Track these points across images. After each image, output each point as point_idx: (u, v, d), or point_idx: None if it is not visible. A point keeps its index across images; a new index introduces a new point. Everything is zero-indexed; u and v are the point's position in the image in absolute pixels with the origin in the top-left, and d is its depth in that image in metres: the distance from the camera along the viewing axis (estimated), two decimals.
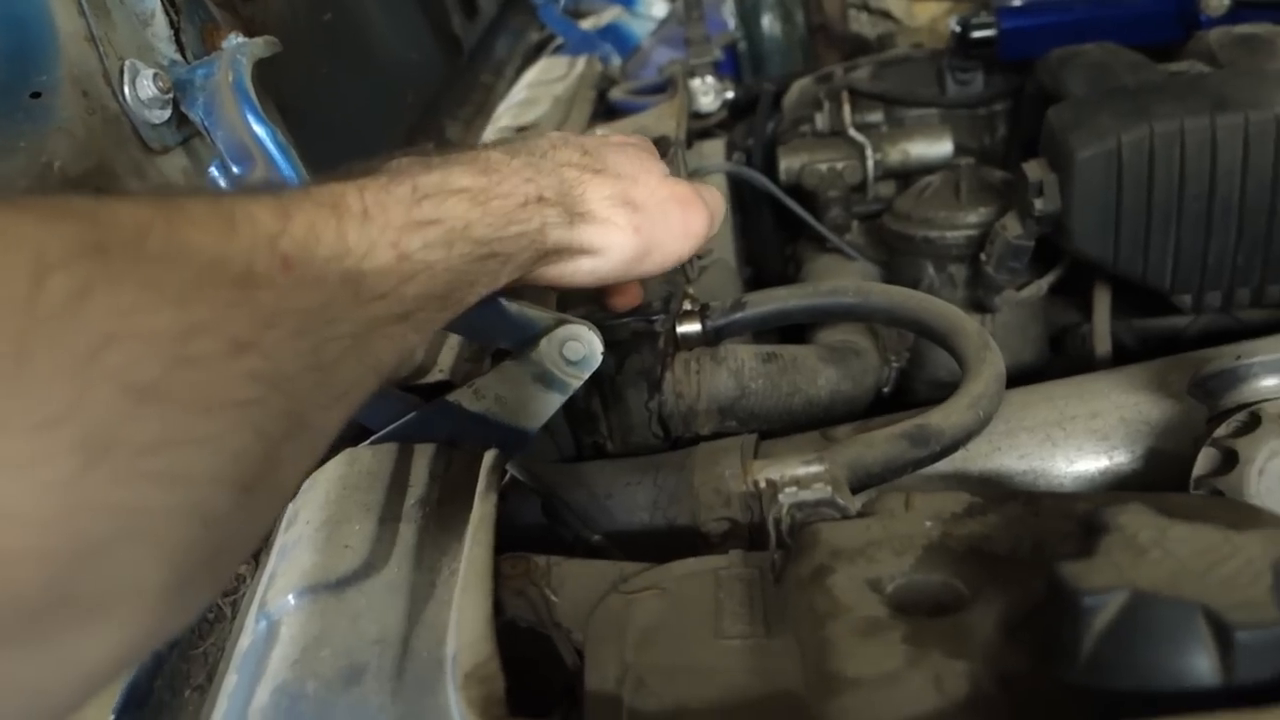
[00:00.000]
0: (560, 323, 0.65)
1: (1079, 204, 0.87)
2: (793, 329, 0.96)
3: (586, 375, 0.66)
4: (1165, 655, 0.35)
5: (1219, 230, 0.85)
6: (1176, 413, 0.67)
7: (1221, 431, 0.58)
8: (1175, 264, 0.88)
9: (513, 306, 0.66)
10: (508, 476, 0.73)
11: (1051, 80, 1.01)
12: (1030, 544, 0.46)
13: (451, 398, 0.67)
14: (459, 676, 0.46)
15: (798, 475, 0.51)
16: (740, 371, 0.82)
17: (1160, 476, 0.67)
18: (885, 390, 0.92)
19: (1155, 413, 0.69)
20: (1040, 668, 0.38)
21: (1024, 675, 0.39)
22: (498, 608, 0.54)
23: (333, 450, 0.69)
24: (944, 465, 0.70)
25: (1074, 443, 0.70)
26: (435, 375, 0.78)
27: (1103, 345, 0.95)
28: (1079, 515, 0.43)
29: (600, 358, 0.66)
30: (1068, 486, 0.69)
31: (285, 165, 0.66)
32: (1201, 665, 0.34)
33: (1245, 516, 0.47)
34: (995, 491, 0.51)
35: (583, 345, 0.65)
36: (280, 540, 0.64)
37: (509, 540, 0.64)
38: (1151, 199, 0.85)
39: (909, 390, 1.04)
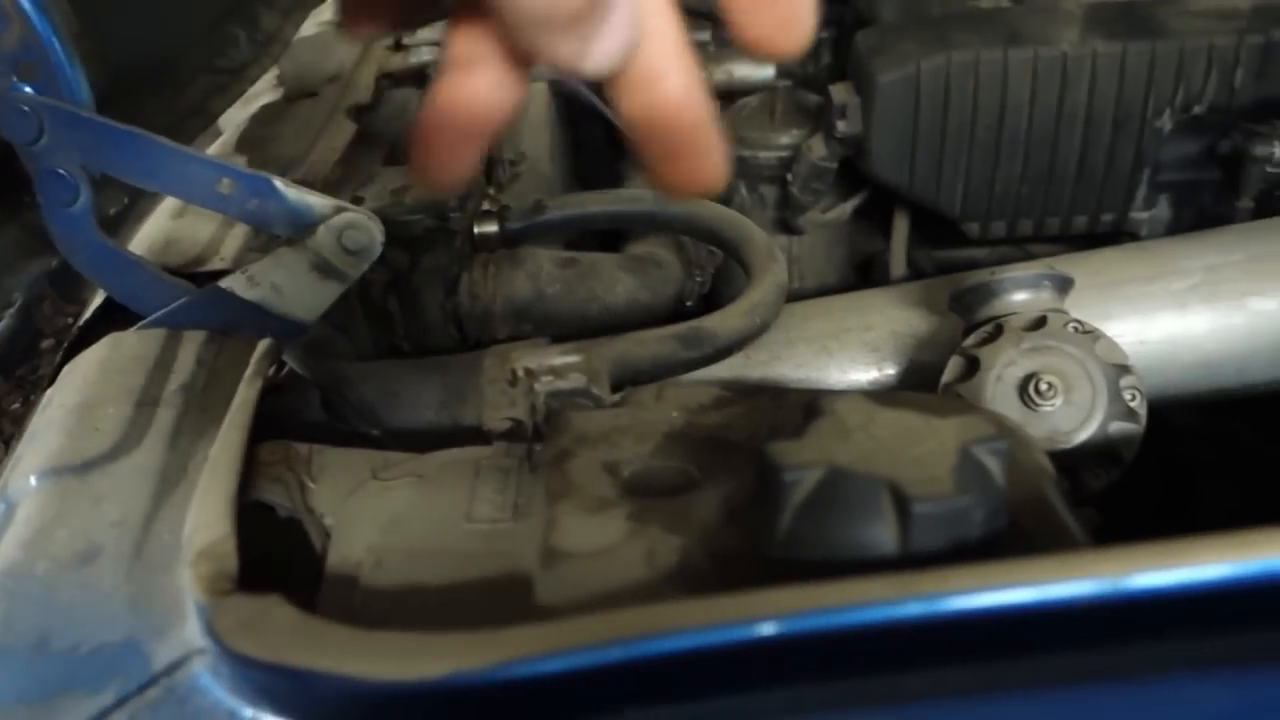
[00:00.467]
0: (339, 210, 0.64)
1: (879, 128, 0.89)
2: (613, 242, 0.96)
3: (365, 266, 0.65)
4: (852, 527, 0.36)
5: (1006, 160, 0.89)
6: (942, 327, 0.70)
7: (969, 341, 0.61)
8: (965, 191, 0.91)
9: (290, 191, 0.64)
10: (286, 369, 0.71)
11: (867, 7, 1.03)
12: (767, 432, 0.48)
13: (224, 284, 0.65)
14: (191, 554, 0.46)
15: (555, 365, 0.52)
16: (538, 275, 0.82)
17: (924, 387, 0.70)
18: (689, 304, 0.93)
19: (923, 327, 0.71)
20: (751, 546, 0.40)
21: (736, 553, 0.40)
22: (247, 491, 0.53)
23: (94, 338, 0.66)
24: (723, 371, 0.72)
25: (848, 354, 0.72)
26: (216, 263, 0.75)
27: (898, 269, 0.98)
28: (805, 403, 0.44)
29: (380, 248, 0.64)
30: None
31: (43, 27, 0.61)
32: (883, 536, 0.36)
33: (958, 408, 0.49)
34: (748, 385, 0.52)
35: (362, 234, 0.64)
36: (33, 425, 0.61)
37: (285, 433, 0.62)
38: (946, 126, 0.88)
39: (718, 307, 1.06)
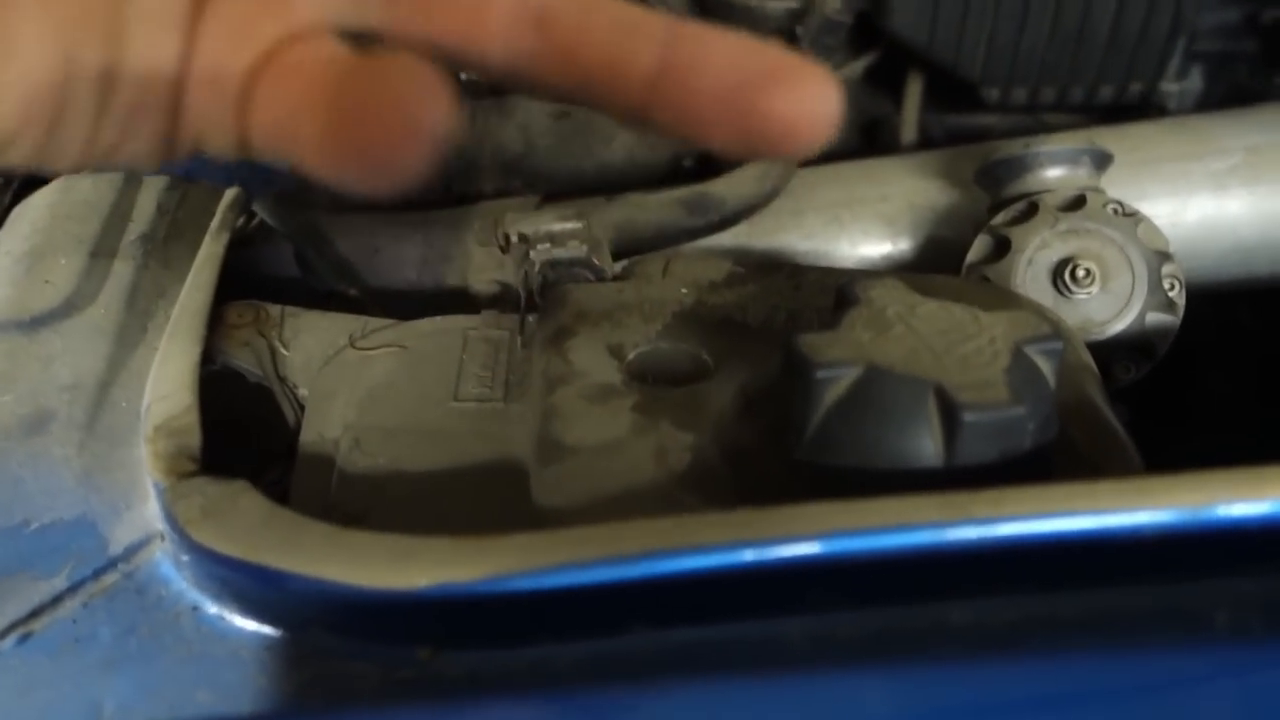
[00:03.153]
0: None
1: None
2: None
3: None
4: (892, 433, 0.33)
5: (1035, 19, 0.82)
6: (965, 200, 0.65)
7: (999, 219, 0.56)
8: (989, 52, 0.85)
9: None
10: (256, 220, 0.66)
11: None
12: (785, 316, 0.44)
13: None
14: (149, 428, 0.41)
15: (553, 231, 0.47)
16: (529, 127, 0.76)
17: (943, 264, 0.66)
18: (687, 163, 0.88)
19: (943, 199, 0.67)
20: (771, 444, 0.36)
21: (754, 451, 0.36)
22: (211, 356, 0.49)
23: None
24: (726, 239, 0.67)
25: (860, 226, 0.67)
26: None
27: (909, 134, 0.92)
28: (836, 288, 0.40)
29: None
30: (852, 268, 0.67)
31: None
32: (925, 445, 0.32)
33: (1003, 300, 0.45)
34: (764, 261, 0.48)
35: None
36: None
37: (255, 290, 0.58)
38: None
39: (721, 169, 1.00)
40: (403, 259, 0.69)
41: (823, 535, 0.29)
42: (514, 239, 0.47)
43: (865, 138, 1.06)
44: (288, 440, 0.49)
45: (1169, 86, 0.89)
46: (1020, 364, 0.34)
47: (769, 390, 0.38)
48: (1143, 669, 0.29)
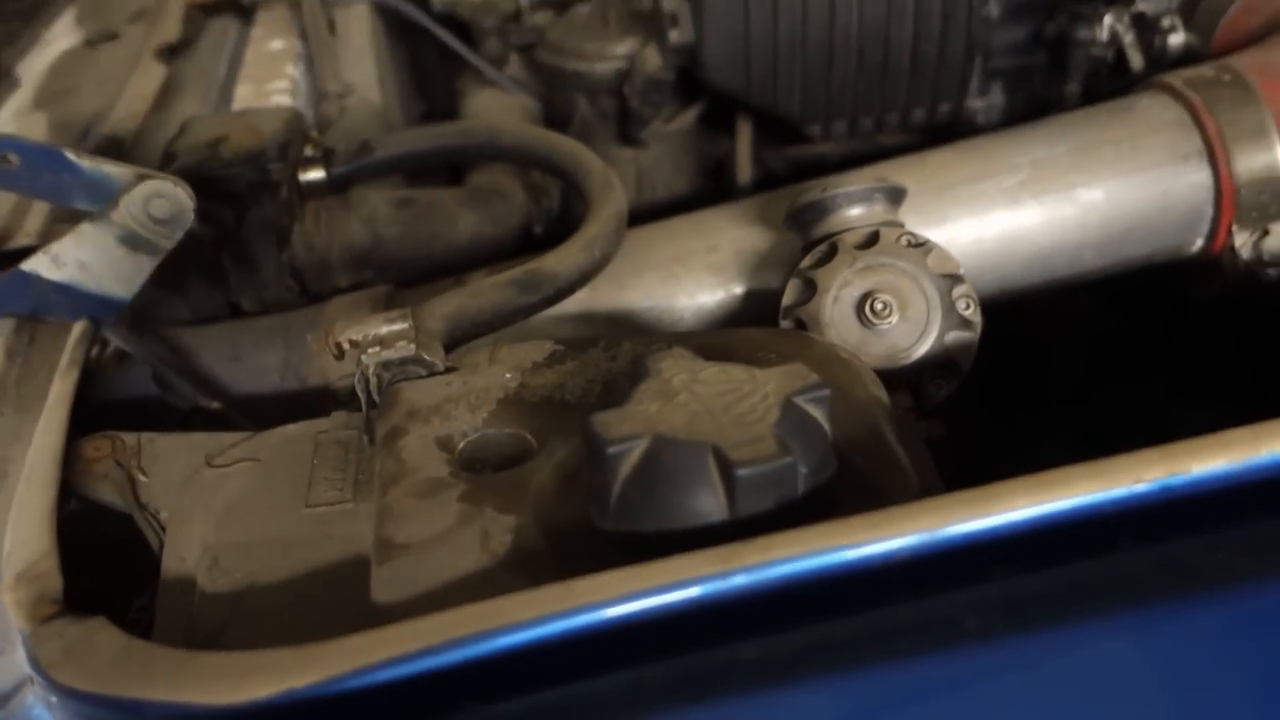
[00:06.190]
0: (142, 178, 0.60)
1: (710, 35, 0.87)
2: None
3: (179, 234, 0.61)
4: (679, 495, 0.36)
5: (840, 59, 0.88)
6: (784, 242, 0.70)
7: (806, 262, 0.61)
8: (803, 94, 0.91)
9: (85, 162, 0.60)
10: (110, 348, 0.68)
11: None
12: (600, 388, 0.47)
13: (26, 266, 0.61)
14: (9, 577, 0.43)
15: (380, 334, 0.50)
16: (373, 219, 0.79)
17: (771, 306, 0.70)
18: (537, 230, 0.91)
19: (766, 244, 0.71)
20: (585, 518, 0.39)
21: (571, 526, 0.40)
22: (70, 494, 0.51)
23: None
24: (570, 306, 0.70)
25: (694, 278, 0.72)
26: (20, 240, 0.70)
27: (743, 175, 0.97)
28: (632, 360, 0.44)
29: (191, 214, 0.61)
30: (688, 321, 0.71)
31: None
32: (709, 503, 0.36)
33: (796, 346, 0.50)
34: (582, 337, 0.51)
35: (170, 203, 0.60)
36: None
37: (117, 417, 0.59)
38: (778, 29, 0.87)
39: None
40: (265, 365, 0.72)
41: (618, 599, 0.32)
42: (345, 345, 0.49)
43: (713, 178, 1.11)
44: (155, 562, 0.51)
45: (974, 104, 0.95)
46: (790, 415, 0.38)
47: (582, 466, 0.42)
48: (913, 677, 0.33)
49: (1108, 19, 0.85)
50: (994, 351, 0.63)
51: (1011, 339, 0.98)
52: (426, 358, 0.50)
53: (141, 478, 0.53)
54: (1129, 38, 0.86)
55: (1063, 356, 1.09)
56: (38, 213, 0.72)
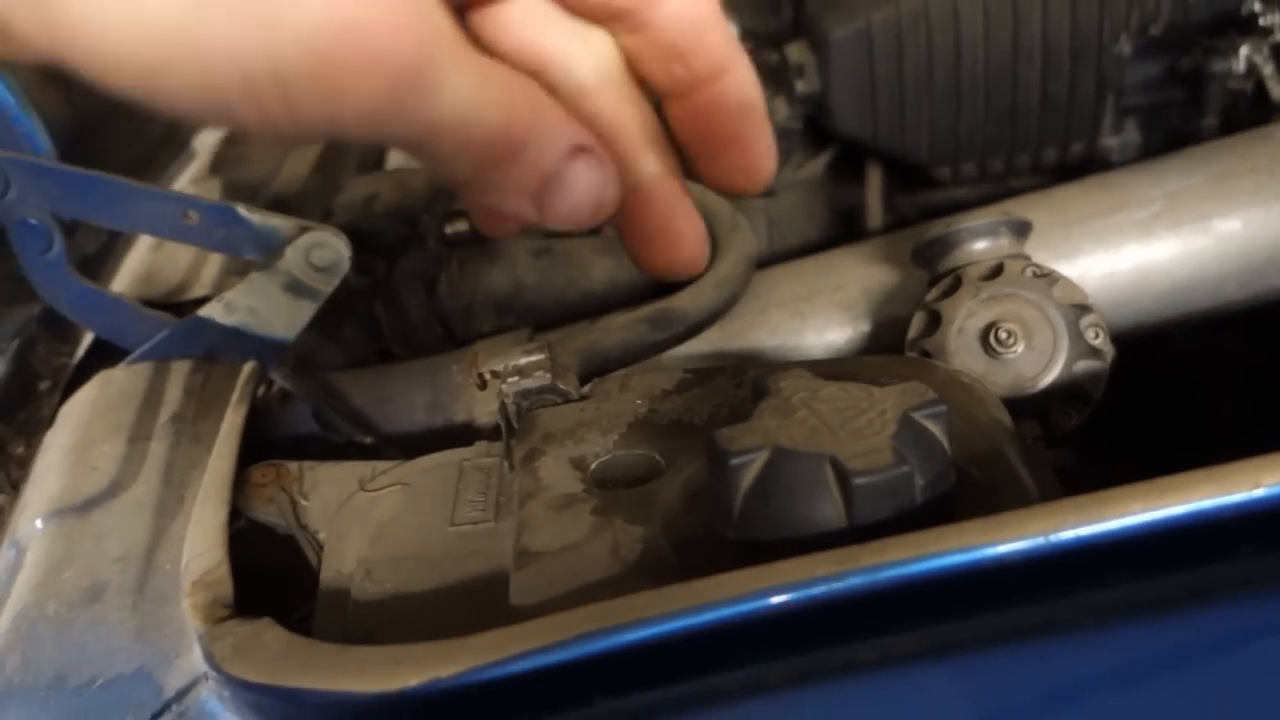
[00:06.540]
0: (304, 230, 0.65)
1: (837, 84, 0.89)
2: None
3: (337, 281, 0.66)
4: (799, 504, 0.38)
5: (968, 101, 0.89)
6: (910, 279, 0.71)
7: (931, 295, 0.62)
8: (931, 137, 0.92)
9: (254, 216, 0.65)
10: (275, 387, 0.73)
11: None
12: (727, 413, 0.49)
13: (202, 313, 0.67)
14: (187, 584, 0.48)
15: (519, 365, 0.53)
16: (513, 268, 0.83)
17: (899, 341, 0.71)
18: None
19: (893, 281, 0.72)
20: (710, 529, 0.41)
21: (697, 537, 0.42)
22: (240, 514, 0.55)
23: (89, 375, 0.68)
24: (701, 345, 0.73)
25: (821, 316, 0.73)
26: (197, 291, 0.77)
27: (874, 220, 0.98)
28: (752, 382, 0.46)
29: (348, 263, 0.66)
30: (818, 357, 0.73)
31: None
32: (828, 511, 0.37)
33: (917, 371, 0.51)
34: (710, 367, 0.54)
35: (329, 251, 0.65)
36: (35, 468, 0.63)
37: (280, 450, 0.64)
38: (903, 74, 0.88)
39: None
40: (413, 404, 0.76)
41: (742, 598, 0.34)
42: (487, 376, 0.53)
43: (845, 225, 1.12)
44: (313, 579, 0.55)
45: (1109, 142, 0.95)
46: (907, 429, 0.39)
47: (707, 482, 0.44)
48: (1041, 679, 0.34)
49: (1244, 50, 0.84)
50: (1142, 390, 0.62)
51: (1161, 377, 0.96)
52: (561, 386, 0.53)
53: (302, 501, 0.58)
54: (1269, 69, 0.84)
55: (1214, 395, 1.06)
56: (213, 264, 0.78)
